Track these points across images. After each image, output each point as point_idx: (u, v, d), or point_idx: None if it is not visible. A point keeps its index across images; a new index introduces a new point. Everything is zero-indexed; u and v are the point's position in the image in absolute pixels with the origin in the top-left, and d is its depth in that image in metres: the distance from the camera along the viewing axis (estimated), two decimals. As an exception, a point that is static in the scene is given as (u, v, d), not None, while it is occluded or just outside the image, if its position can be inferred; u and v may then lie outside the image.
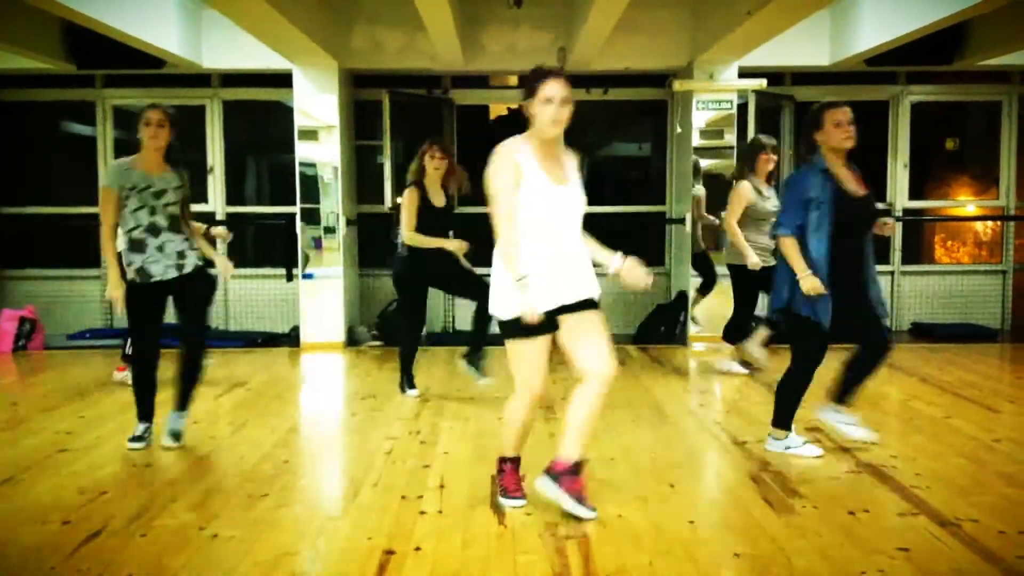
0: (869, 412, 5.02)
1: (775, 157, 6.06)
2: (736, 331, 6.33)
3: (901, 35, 6.92)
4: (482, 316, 5.60)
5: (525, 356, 3.36)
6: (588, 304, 3.39)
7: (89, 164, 8.73)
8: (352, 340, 8.17)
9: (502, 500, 3.55)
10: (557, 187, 3.31)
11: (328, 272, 8.04)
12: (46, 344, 8.05)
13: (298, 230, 7.93)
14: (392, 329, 8.22)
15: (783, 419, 4.25)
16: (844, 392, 4.27)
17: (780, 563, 2.95)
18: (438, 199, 5.54)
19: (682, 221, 8.10)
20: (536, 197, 3.27)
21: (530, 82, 3.28)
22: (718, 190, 7.96)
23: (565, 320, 3.36)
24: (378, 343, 8.16)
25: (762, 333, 6.30)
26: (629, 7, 6.12)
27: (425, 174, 5.48)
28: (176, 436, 4.45)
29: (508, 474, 3.59)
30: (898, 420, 5.11)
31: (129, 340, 5.49)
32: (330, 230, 8.05)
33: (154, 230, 4.29)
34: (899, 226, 8.80)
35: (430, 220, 5.45)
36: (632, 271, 3.37)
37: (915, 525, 3.30)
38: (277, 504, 3.60)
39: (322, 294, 8.00)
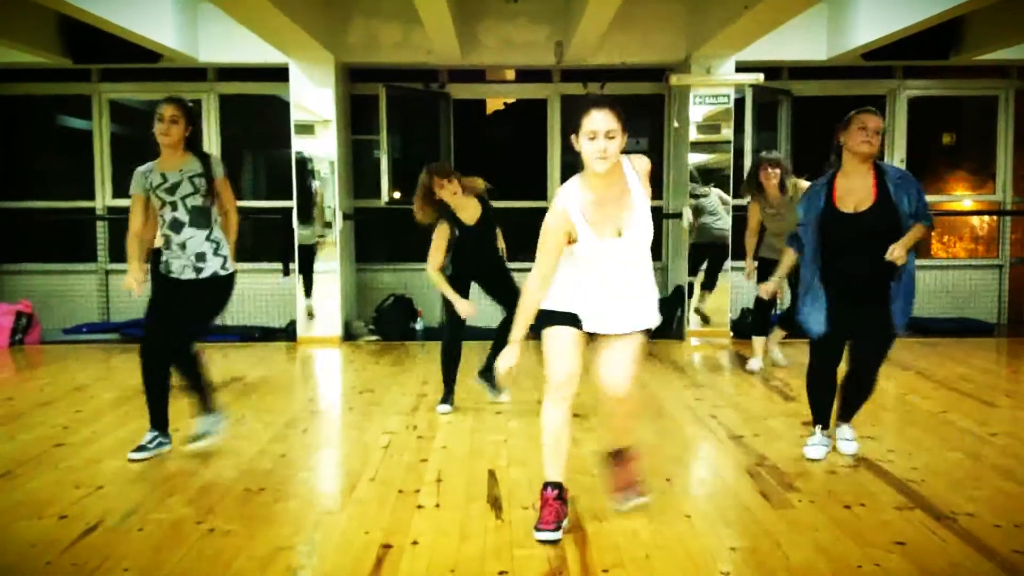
0: (865, 406, 5.03)
1: (775, 171, 5.95)
2: (761, 323, 6.41)
3: (898, 30, 6.92)
4: (505, 331, 5.38)
5: (553, 344, 3.18)
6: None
7: (85, 158, 8.71)
8: (349, 335, 8.17)
9: (536, 533, 3.13)
10: (606, 241, 3.08)
11: (325, 267, 8.03)
12: (42, 339, 8.04)
13: (295, 225, 7.93)
14: (388, 324, 8.23)
15: (816, 416, 4.20)
16: (842, 409, 4.21)
17: (777, 557, 2.96)
18: (468, 215, 5.13)
19: (679, 216, 8.11)
20: (585, 253, 3.10)
21: (576, 115, 3.02)
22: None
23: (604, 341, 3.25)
24: (375, 338, 8.16)
25: (779, 332, 6.42)
26: (626, 2, 6.12)
27: (449, 205, 5.07)
28: (195, 439, 4.31)
29: (545, 503, 3.17)
30: (894, 414, 5.12)
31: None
32: (327, 225, 8.04)
33: (176, 226, 4.18)
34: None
35: (469, 243, 5.12)
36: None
37: (911, 519, 3.30)
38: (274, 498, 3.60)
39: (319, 289, 7.99)
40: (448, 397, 5.23)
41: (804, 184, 5.83)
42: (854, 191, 3.87)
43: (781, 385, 5.84)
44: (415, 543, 3.10)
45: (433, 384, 5.95)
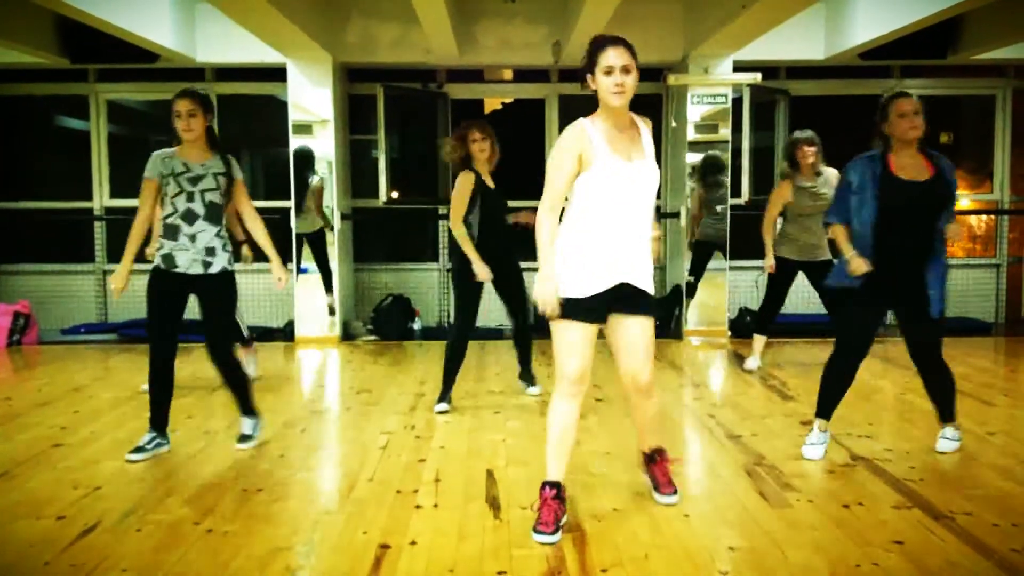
0: (863, 405, 5.05)
1: (812, 149, 5.95)
2: (765, 322, 6.37)
3: (895, 29, 6.93)
4: (520, 335, 5.50)
5: (566, 338, 3.17)
6: (640, 306, 3.24)
7: (83, 159, 8.71)
8: (347, 335, 8.16)
9: (533, 534, 3.13)
10: (629, 164, 3.13)
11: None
12: (40, 339, 8.04)
13: (292, 225, 7.92)
14: (386, 324, 8.23)
15: (820, 407, 4.20)
16: (940, 410, 4.25)
17: (775, 556, 2.96)
18: (491, 182, 5.17)
19: (677, 215, 8.11)
20: (607, 179, 3.10)
21: (588, 54, 3.11)
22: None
23: (614, 320, 3.25)
24: (373, 338, 8.16)
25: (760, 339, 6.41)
26: (623, 1, 6.12)
27: (473, 159, 5.08)
28: (242, 439, 4.39)
29: (544, 503, 3.18)
30: (892, 413, 5.12)
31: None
32: (325, 217, 8.02)
33: (190, 217, 4.16)
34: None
35: (489, 204, 5.11)
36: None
37: (909, 518, 3.31)
38: (272, 499, 3.59)
39: (317, 289, 7.99)
40: (445, 395, 5.19)
41: (832, 170, 5.93)
42: (908, 167, 3.93)
43: (779, 384, 5.85)
44: (413, 543, 3.09)
45: (431, 384, 5.94)
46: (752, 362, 6.39)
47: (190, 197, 4.15)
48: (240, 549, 3.04)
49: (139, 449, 4.18)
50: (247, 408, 4.44)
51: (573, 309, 3.14)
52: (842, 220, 4.09)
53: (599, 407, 5.20)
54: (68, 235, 9.09)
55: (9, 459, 4.17)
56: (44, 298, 8.61)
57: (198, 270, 4.18)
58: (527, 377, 5.58)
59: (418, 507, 3.48)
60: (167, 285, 4.19)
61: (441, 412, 5.09)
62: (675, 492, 3.51)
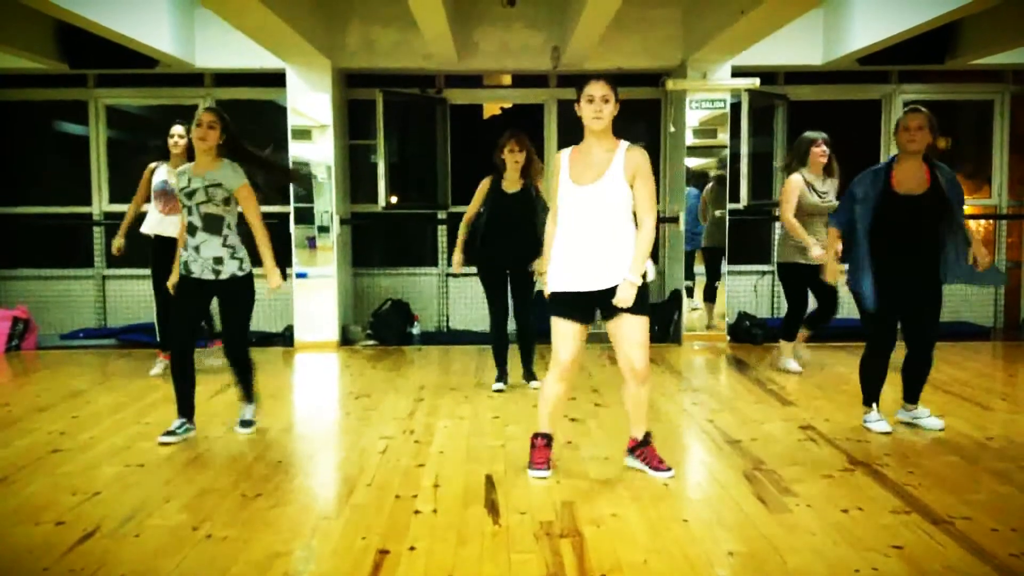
0: (861, 410, 5.04)
1: (827, 149, 6.07)
2: (791, 328, 6.39)
3: (893, 34, 6.93)
4: (522, 338, 5.92)
5: (558, 331, 3.87)
6: (624, 306, 3.75)
7: (82, 164, 8.70)
8: (346, 340, 8.16)
9: (529, 471, 3.93)
10: (578, 187, 3.78)
11: (322, 271, 8.03)
12: (39, 344, 8.02)
13: (291, 230, 7.92)
14: (386, 328, 8.22)
15: (865, 396, 4.77)
16: (908, 392, 4.82)
17: (774, 561, 2.96)
18: (512, 186, 5.69)
19: (676, 220, 8.11)
20: (562, 197, 3.84)
21: (577, 87, 3.84)
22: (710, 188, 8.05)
23: (610, 323, 3.84)
24: (372, 342, 8.15)
25: (803, 332, 6.42)
26: (622, 6, 6.13)
27: (505, 167, 5.66)
28: (243, 424, 4.79)
29: (537, 449, 3.98)
30: (891, 418, 5.11)
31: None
32: (324, 229, 8.04)
33: (191, 229, 4.49)
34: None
35: (500, 208, 5.66)
36: (621, 290, 3.74)
37: (908, 523, 3.31)
38: (271, 504, 3.59)
39: (316, 293, 7.99)
40: (499, 377, 5.90)
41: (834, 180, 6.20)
42: (908, 179, 4.46)
43: (778, 389, 5.85)
44: (412, 548, 3.09)
45: (430, 389, 5.95)
46: (792, 363, 6.40)
47: (189, 211, 4.49)
48: (239, 555, 3.04)
49: (170, 432, 4.54)
50: (249, 395, 4.82)
51: (559, 305, 3.86)
52: (839, 225, 4.73)
53: (598, 412, 5.20)
54: (67, 240, 9.08)
55: (8, 464, 4.16)
56: (43, 303, 8.60)
57: (209, 276, 4.50)
58: (528, 375, 5.93)
59: (417, 512, 3.48)
60: (187, 286, 4.54)
61: (497, 391, 5.79)
62: (670, 468, 3.92)
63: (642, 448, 3.97)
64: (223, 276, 4.49)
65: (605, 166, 3.77)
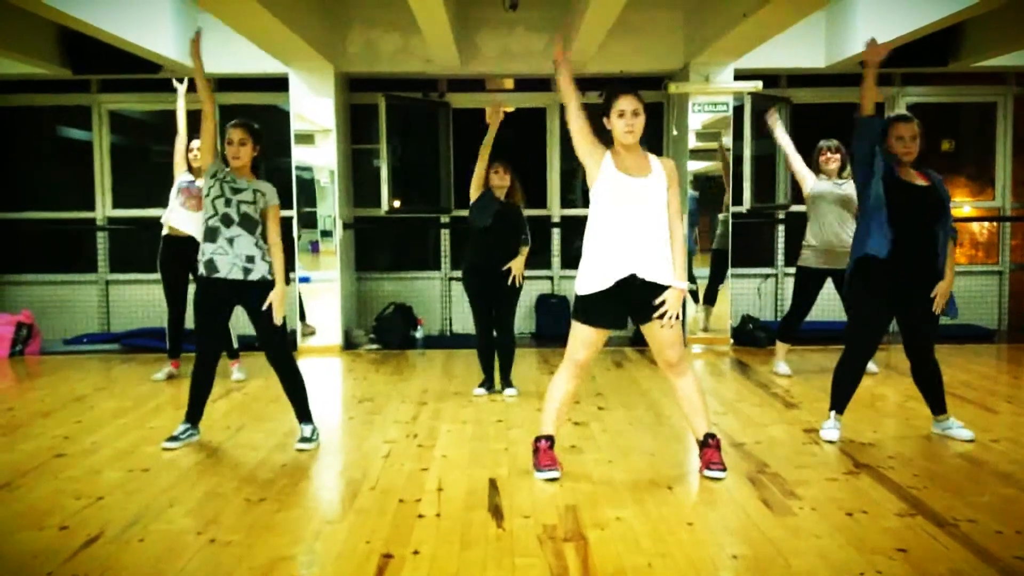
0: (865, 412, 5.04)
1: (835, 156, 6.10)
2: (788, 330, 6.41)
3: (896, 37, 6.92)
4: (500, 347, 5.92)
5: (579, 335, 3.90)
6: (656, 309, 3.79)
7: (85, 169, 8.72)
8: (349, 343, 8.16)
9: (536, 474, 3.92)
10: (631, 178, 3.76)
11: (325, 275, 8.04)
12: (43, 349, 8.04)
13: (295, 234, 7.93)
14: (389, 332, 8.23)
15: (832, 401, 4.60)
16: (931, 403, 4.64)
17: (778, 564, 2.95)
18: (500, 192, 5.80)
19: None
20: (608, 190, 3.77)
21: (605, 100, 3.80)
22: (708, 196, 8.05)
23: (644, 328, 3.89)
24: (375, 346, 8.16)
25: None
26: (624, 10, 6.13)
27: (490, 183, 5.76)
28: (303, 440, 4.57)
29: (541, 452, 3.96)
30: (895, 421, 5.11)
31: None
32: (327, 234, 8.05)
33: (227, 220, 4.40)
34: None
35: (492, 206, 5.72)
36: (670, 298, 3.79)
37: (913, 526, 3.30)
38: (274, 508, 3.59)
39: (319, 297, 7.99)
40: (483, 383, 5.92)
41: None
42: (911, 177, 4.31)
43: (782, 392, 5.84)
44: (416, 552, 3.09)
45: (433, 393, 5.95)
46: (782, 366, 6.42)
47: (228, 203, 4.40)
48: (243, 559, 3.04)
49: (174, 438, 4.53)
50: (306, 414, 4.64)
51: (589, 311, 3.86)
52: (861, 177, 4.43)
53: (601, 415, 5.19)
54: (71, 245, 9.09)
55: (11, 469, 4.17)
56: (46, 308, 8.62)
57: (238, 275, 4.40)
58: (505, 382, 5.93)
59: (421, 516, 3.47)
60: (211, 290, 4.44)
61: (477, 396, 5.80)
62: (723, 469, 3.90)
63: (702, 450, 3.98)
64: (253, 276, 4.42)
65: (648, 168, 3.82)
